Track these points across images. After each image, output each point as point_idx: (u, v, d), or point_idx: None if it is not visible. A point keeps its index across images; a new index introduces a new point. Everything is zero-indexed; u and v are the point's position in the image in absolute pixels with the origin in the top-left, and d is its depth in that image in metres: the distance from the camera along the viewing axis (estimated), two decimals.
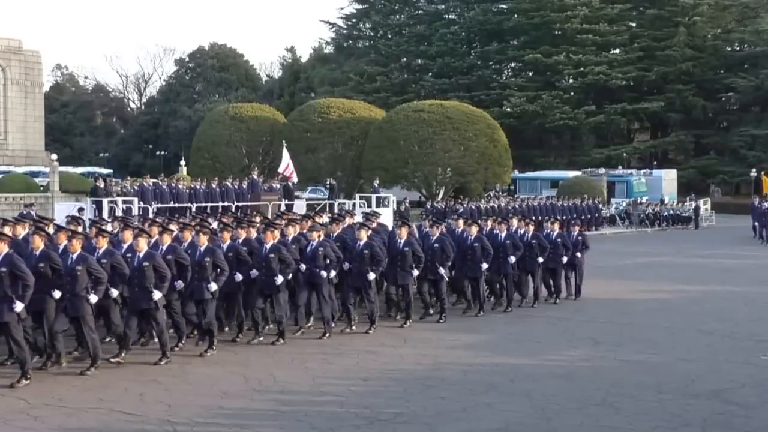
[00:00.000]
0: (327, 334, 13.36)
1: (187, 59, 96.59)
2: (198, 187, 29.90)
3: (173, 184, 30.01)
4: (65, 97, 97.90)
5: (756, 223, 36.94)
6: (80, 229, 13.75)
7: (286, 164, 30.74)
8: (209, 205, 28.64)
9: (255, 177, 32.59)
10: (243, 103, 52.68)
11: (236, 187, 30.01)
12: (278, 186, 31.03)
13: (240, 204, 28.93)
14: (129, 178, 33.18)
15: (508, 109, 66.73)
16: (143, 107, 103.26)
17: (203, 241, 12.49)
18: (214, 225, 15.38)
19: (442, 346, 12.92)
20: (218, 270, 12.28)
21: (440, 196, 41.61)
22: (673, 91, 67.52)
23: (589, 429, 8.79)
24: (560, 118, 66.11)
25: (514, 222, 17.61)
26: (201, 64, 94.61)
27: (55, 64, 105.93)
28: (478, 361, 11.91)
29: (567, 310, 16.70)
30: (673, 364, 11.76)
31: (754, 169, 57.76)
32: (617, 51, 70.63)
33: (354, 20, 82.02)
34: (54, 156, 39.90)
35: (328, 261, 13.52)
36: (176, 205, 27.93)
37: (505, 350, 12.71)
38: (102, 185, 27.15)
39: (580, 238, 18.05)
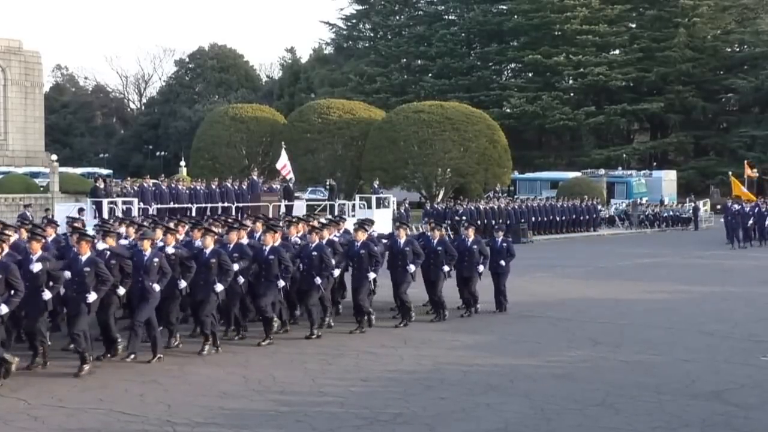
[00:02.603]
0: (267, 340, 12.99)
1: (187, 60, 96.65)
2: (198, 187, 29.88)
3: (173, 185, 29.98)
4: (65, 97, 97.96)
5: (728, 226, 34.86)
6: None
7: (284, 164, 30.76)
8: (209, 206, 28.63)
9: (255, 178, 32.58)
10: (243, 104, 52.72)
11: (236, 187, 29.97)
12: (278, 187, 31.02)
13: (240, 205, 28.92)
14: (129, 178, 33.10)
15: (508, 110, 66.79)
16: (143, 108, 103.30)
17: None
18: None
19: (441, 347, 12.93)
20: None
21: (440, 196, 41.62)
22: (673, 92, 67.56)
23: (589, 430, 8.79)
24: (560, 119, 66.15)
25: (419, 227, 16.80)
26: (201, 65, 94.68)
27: (55, 64, 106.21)
28: (478, 361, 11.91)
29: (567, 310, 16.69)
30: (672, 365, 11.76)
31: (755, 170, 57.74)
32: (617, 52, 70.67)
33: (354, 21, 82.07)
34: (54, 156, 39.97)
35: (283, 266, 13.11)
36: (176, 205, 27.91)
37: (504, 351, 12.71)
38: (102, 186, 27.10)
39: (504, 245, 16.68)
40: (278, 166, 31.11)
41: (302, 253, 13.77)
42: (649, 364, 11.81)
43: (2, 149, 49.23)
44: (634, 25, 72.09)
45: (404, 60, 76.58)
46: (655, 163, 67.18)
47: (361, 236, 14.44)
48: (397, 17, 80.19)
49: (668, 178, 55.81)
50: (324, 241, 13.90)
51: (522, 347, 13.00)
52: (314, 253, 13.58)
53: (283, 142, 32.86)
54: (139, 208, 25.86)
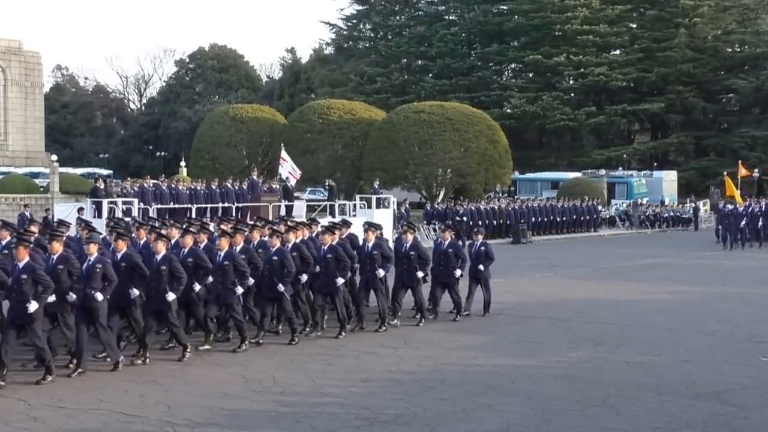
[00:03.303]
0: (240, 344, 12.78)
1: (187, 60, 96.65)
2: (198, 188, 29.88)
3: (173, 185, 30.00)
4: (65, 97, 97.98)
5: (719, 227, 34.84)
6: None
7: (290, 168, 30.73)
8: (209, 206, 28.63)
9: (255, 178, 32.59)
10: (243, 104, 52.72)
11: (236, 188, 29.98)
12: (278, 187, 31.02)
13: (240, 205, 28.92)
14: (129, 179, 33.09)
15: (509, 110, 66.74)
16: (143, 108, 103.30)
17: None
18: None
19: (442, 347, 12.92)
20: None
21: (440, 197, 41.62)
22: (674, 93, 67.53)
23: (590, 430, 8.79)
24: (560, 119, 66.13)
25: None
26: (201, 65, 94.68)
27: (56, 65, 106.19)
28: (478, 362, 11.90)
29: (567, 311, 16.69)
30: (673, 366, 11.75)
31: (755, 170, 57.76)
32: (617, 52, 70.62)
33: (354, 21, 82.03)
34: (54, 157, 39.97)
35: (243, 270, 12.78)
36: (176, 206, 27.91)
37: (505, 351, 12.71)
38: (102, 186, 27.11)
39: (483, 248, 15.91)
40: (289, 171, 30.94)
41: (264, 258, 13.28)
42: (650, 364, 11.81)
43: (2, 149, 49.25)
44: (634, 26, 72.02)
45: (404, 60, 76.55)
46: (655, 164, 67.12)
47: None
48: (398, 17, 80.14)
49: (669, 179, 55.81)
50: (289, 246, 13.36)
51: (523, 348, 12.99)
52: (275, 258, 13.05)
53: (282, 144, 32.87)
54: (139, 209, 25.86)
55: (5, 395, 9.86)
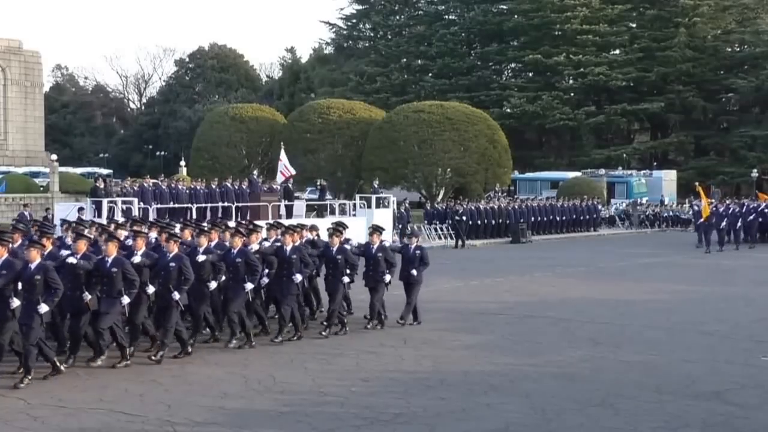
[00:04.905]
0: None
1: (187, 60, 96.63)
2: (198, 187, 29.90)
3: (173, 185, 30.02)
4: (65, 97, 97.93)
5: (697, 230, 34.16)
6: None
7: (286, 168, 30.76)
8: (209, 205, 28.64)
9: (255, 177, 32.61)
10: (243, 104, 52.72)
11: (236, 187, 30.00)
12: (278, 187, 31.03)
13: (240, 205, 28.93)
14: (129, 178, 33.14)
15: (508, 110, 66.74)
16: (143, 108, 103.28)
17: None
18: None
19: (442, 347, 12.92)
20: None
21: (440, 196, 41.61)
22: (673, 92, 67.51)
23: (589, 430, 8.79)
24: (560, 119, 66.13)
25: (306, 233, 15.09)
26: (201, 65, 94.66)
27: (55, 64, 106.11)
28: (478, 361, 11.91)
29: (567, 310, 16.69)
30: (673, 365, 11.75)
31: (755, 170, 57.78)
32: (617, 52, 70.60)
33: (354, 21, 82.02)
34: (54, 156, 39.98)
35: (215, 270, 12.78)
36: (176, 205, 27.93)
37: (505, 351, 12.71)
38: (102, 186, 27.14)
39: (418, 252, 15.03)
40: (289, 171, 30.94)
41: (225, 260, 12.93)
42: (650, 364, 11.81)
43: (2, 149, 49.26)
44: (634, 25, 72.00)
45: (404, 60, 76.52)
46: (655, 163, 67.11)
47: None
48: (397, 17, 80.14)
49: (668, 178, 55.81)
50: (236, 250, 12.94)
51: (522, 347, 13.00)
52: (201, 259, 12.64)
53: (282, 144, 32.89)
54: (139, 208, 25.88)
55: (5, 395, 9.87)
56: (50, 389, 10.15)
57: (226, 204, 28.84)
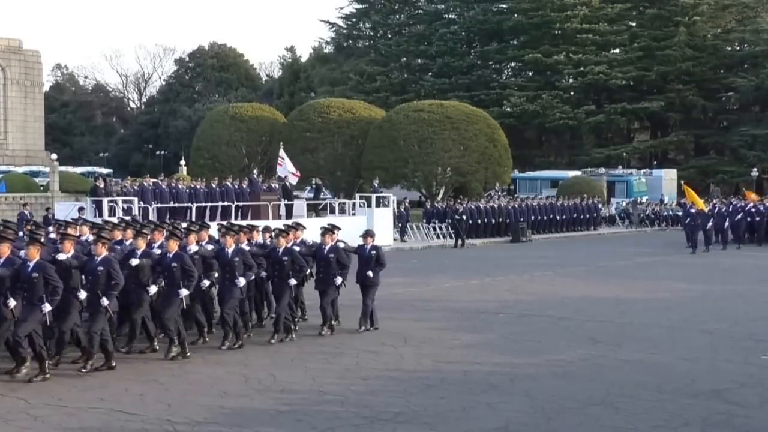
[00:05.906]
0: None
1: (187, 59, 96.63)
2: (198, 187, 29.92)
3: (173, 184, 30.05)
4: (65, 96, 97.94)
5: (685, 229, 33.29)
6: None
7: (291, 169, 30.77)
8: (209, 205, 28.66)
9: (255, 177, 32.62)
10: (243, 103, 52.71)
11: (236, 187, 30.02)
12: (278, 186, 31.05)
13: (240, 204, 28.95)
14: (129, 177, 33.21)
15: (508, 109, 66.75)
16: (143, 107, 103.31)
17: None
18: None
19: (442, 346, 12.92)
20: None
21: (440, 195, 41.61)
22: (673, 91, 67.52)
23: (589, 428, 8.79)
24: (560, 118, 66.13)
25: (256, 235, 14.55)
26: (201, 64, 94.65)
27: (55, 63, 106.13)
28: (478, 360, 11.91)
29: (567, 309, 16.69)
30: (672, 364, 11.75)
31: (755, 169, 57.77)
32: (617, 51, 70.62)
33: (354, 20, 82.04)
34: (54, 156, 39.99)
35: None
36: (176, 205, 27.95)
37: (505, 350, 12.71)
38: (102, 185, 27.18)
39: (373, 252, 14.42)
40: (289, 170, 30.92)
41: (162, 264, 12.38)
42: (650, 362, 11.81)
43: (2, 148, 49.26)
44: (634, 24, 72.00)
45: (404, 59, 76.52)
46: (655, 162, 67.12)
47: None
48: (397, 16, 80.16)
49: (668, 177, 55.81)
50: (171, 254, 12.28)
51: (522, 346, 13.00)
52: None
53: (281, 143, 32.90)
54: (139, 208, 25.90)
55: (5, 394, 9.87)
56: (50, 389, 10.15)
57: (226, 203, 28.86)
